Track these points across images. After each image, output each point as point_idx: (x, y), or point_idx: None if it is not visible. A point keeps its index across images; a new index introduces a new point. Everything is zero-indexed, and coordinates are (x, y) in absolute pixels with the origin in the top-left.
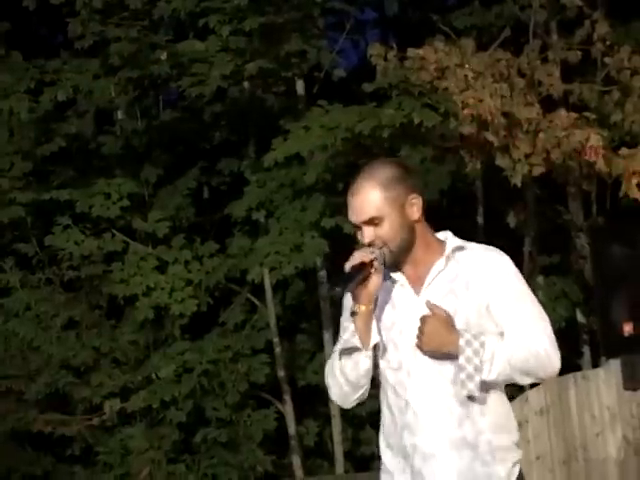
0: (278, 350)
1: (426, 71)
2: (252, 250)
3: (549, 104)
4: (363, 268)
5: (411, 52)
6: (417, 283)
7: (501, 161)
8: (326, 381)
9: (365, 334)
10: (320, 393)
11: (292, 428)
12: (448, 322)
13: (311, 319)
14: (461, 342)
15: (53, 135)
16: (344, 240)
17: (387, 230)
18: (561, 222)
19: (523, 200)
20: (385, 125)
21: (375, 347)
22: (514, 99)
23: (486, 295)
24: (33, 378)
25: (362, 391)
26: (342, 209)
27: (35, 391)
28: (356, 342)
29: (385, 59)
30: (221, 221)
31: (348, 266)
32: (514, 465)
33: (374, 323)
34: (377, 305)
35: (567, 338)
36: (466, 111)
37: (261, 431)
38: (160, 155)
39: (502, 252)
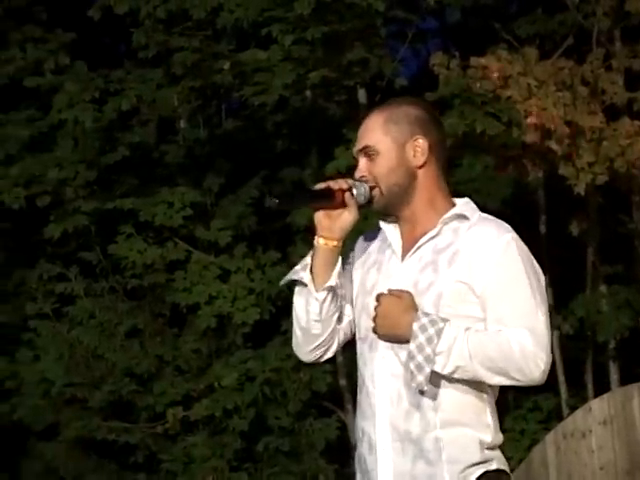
0: (340, 359)
1: (489, 80)
2: None
3: (612, 112)
4: (329, 194)
5: (474, 61)
6: (409, 246)
7: (564, 170)
8: None
9: (321, 273)
10: None
11: (354, 437)
12: (406, 302)
13: None
14: (415, 326)
15: (117, 144)
16: None
17: (381, 166)
18: (624, 231)
19: (586, 209)
20: (447, 134)
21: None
22: (577, 108)
23: (472, 276)
24: (97, 386)
25: (318, 342)
26: None
27: (99, 399)
28: (303, 276)
29: (447, 68)
30: (283, 230)
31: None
32: (466, 469)
33: (354, 284)
34: (366, 265)
35: (630, 347)
36: (529, 120)
37: (323, 440)
38: (222, 164)
39: (509, 227)
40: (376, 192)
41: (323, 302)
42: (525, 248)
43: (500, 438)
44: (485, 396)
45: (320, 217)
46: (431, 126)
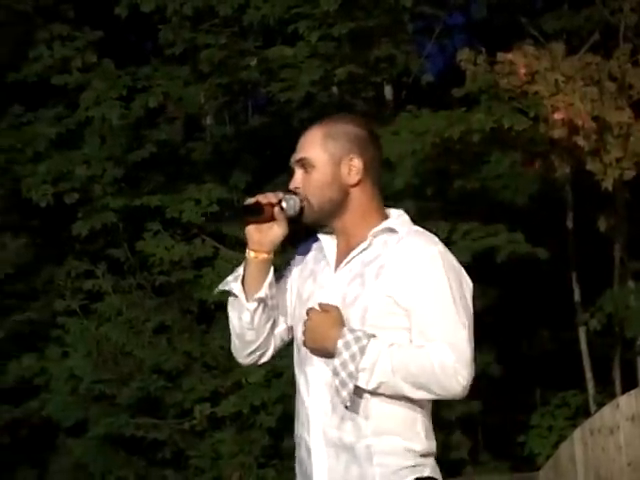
0: None
1: (516, 75)
2: None
3: None
4: (258, 209)
5: (500, 56)
6: (342, 258)
7: (592, 165)
8: None
9: (252, 284)
10: None
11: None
12: (333, 318)
13: None
14: (339, 343)
15: (144, 141)
16: None
17: (315, 181)
18: None
19: (613, 204)
20: (475, 130)
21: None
22: (605, 103)
23: (397, 289)
24: (125, 382)
25: (252, 348)
26: (432, 214)
27: (127, 395)
28: (234, 287)
29: (474, 64)
30: (307, 226)
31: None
32: (398, 472)
33: (291, 293)
34: (303, 275)
35: None
36: (556, 115)
37: None
38: (249, 161)
39: (437, 241)
40: (306, 205)
41: (254, 312)
42: (451, 261)
43: (433, 446)
44: (417, 406)
45: (251, 231)
46: (368, 145)
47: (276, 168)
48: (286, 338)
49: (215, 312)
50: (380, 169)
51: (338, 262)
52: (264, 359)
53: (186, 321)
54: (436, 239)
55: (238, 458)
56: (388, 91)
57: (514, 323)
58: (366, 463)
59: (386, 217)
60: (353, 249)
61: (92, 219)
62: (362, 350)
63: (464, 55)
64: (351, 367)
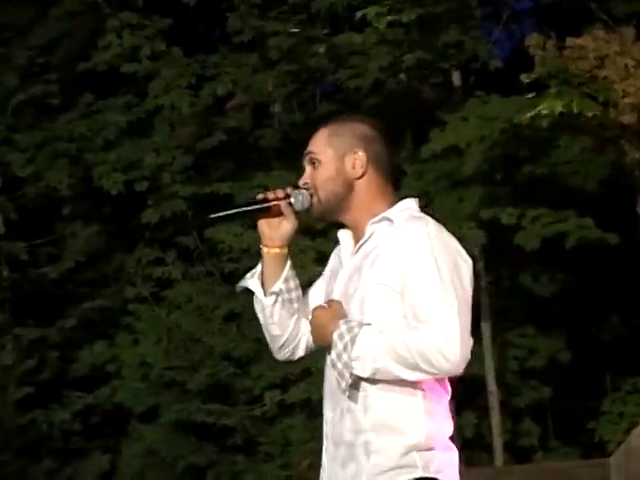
0: None
1: (585, 60)
2: None
3: None
4: (266, 204)
5: (570, 41)
6: (351, 253)
7: None
8: None
9: (269, 279)
10: (479, 384)
11: None
12: (333, 312)
13: None
14: (334, 335)
15: (213, 129)
16: (502, 231)
17: (321, 175)
18: None
19: None
20: (544, 115)
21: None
22: None
23: (391, 276)
24: (196, 369)
25: (281, 343)
26: (500, 200)
27: (198, 382)
28: (250, 283)
29: (543, 49)
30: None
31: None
32: (386, 473)
33: (321, 293)
34: (331, 273)
35: None
36: (626, 100)
37: None
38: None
39: (430, 222)
40: (315, 200)
41: (273, 306)
42: (442, 240)
43: (437, 440)
44: (419, 395)
45: (262, 226)
46: (374, 141)
47: None
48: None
49: None
50: (390, 165)
51: (351, 254)
52: (298, 354)
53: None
54: (430, 221)
55: (308, 445)
56: (456, 77)
57: (584, 309)
58: (363, 459)
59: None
60: (361, 237)
61: (162, 207)
62: (353, 339)
63: (533, 40)
64: (345, 357)
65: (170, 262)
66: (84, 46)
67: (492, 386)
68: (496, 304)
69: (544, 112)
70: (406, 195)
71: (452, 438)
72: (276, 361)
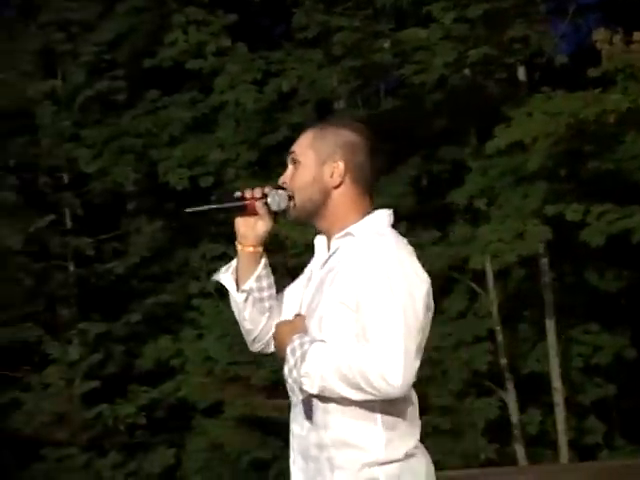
0: (500, 338)
1: None
2: (474, 238)
3: None
4: (242, 203)
5: (637, 36)
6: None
7: None
8: None
9: (242, 276)
10: (543, 381)
11: (515, 416)
12: (292, 326)
13: (533, 307)
14: (287, 350)
15: (277, 125)
16: (567, 227)
17: (299, 178)
18: None
19: None
20: (610, 110)
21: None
22: None
23: (347, 295)
24: (260, 364)
25: (253, 336)
26: (565, 196)
27: (262, 377)
28: (222, 278)
29: (610, 43)
30: (442, 209)
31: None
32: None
33: (297, 291)
34: (306, 279)
35: None
36: None
37: (483, 419)
38: (381, 143)
39: (391, 243)
40: (291, 203)
41: (244, 303)
42: (400, 261)
43: (397, 454)
44: (377, 410)
45: (238, 224)
46: (358, 151)
47: (409, 150)
48: None
49: None
50: (370, 176)
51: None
52: (271, 348)
53: None
54: (391, 240)
55: None
56: (521, 72)
57: None
58: (328, 475)
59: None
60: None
61: None
62: (303, 356)
63: (600, 35)
64: (295, 373)
65: (235, 256)
66: (150, 42)
67: (557, 383)
68: (560, 301)
69: (610, 107)
70: (380, 206)
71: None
72: None
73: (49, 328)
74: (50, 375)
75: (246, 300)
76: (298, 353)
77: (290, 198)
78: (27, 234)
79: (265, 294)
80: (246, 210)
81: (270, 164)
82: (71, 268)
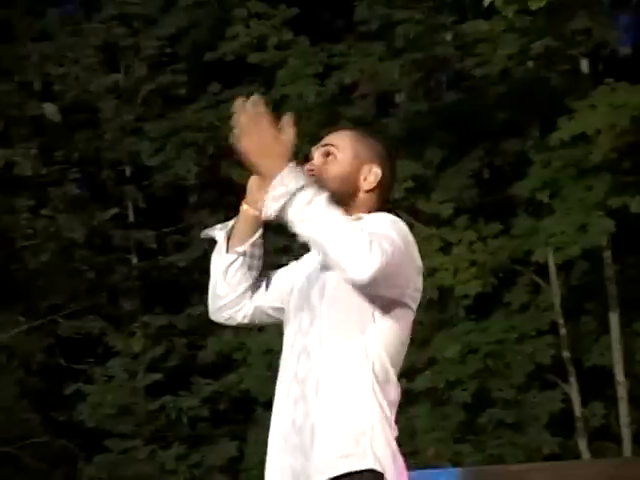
0: (563, 331)
1: None
2: (537, 230)
3: None
4: None
5: None
6: None
7: None
8: None
9: (237, 237)
10: (606, 375)
11: (578, 410)
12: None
13: (596, 300)
14: (293, 175)
15: (338, 118)
16: (631, 220)
17: (332, 169)
18: None
19: None
20: None
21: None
22: None
23: None
24: None
25: (221, 304)
26: (629, 188)
27: None
28: (217, 234)
29: None
30: (504, 201)
31: None
32: (333, 461)
33: (291, 282)
34: (303, 269)
35: None
36: None
37: (547, 412)
38: (443, 136)
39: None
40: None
41: (230, 264)
42: (400, 224)
43: (384, 430)
44: (368, 389)
45: (253, 185)
46: (389, 165)
47: (471, 143)
48: (262, 317)
49: None
50: (390, 194)
51: None
52: (235, 321)
53: None
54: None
55: (434, 433)
56: (584, 64)
57: None
58: (309, 450)
59: None
60: None
61: None
62: (310, 200)
63: None
64: (292, 185)
65: (296, 250)
66: (211, 36)
67: (620, 376)
68: (624, 294)
69: None
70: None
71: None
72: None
73: (112, 320)
74: (113, 367)
75: (233, 262)
76: (302, 176)
77: (320, 182)
78: (90, 227)
79: (255, 263)
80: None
81: None
82: (134, 261)
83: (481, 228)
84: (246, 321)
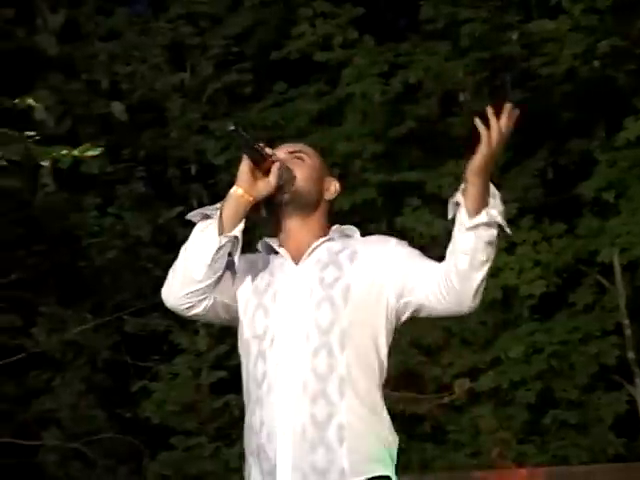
0: (628, 332)
1: None
2: (602, 231)
3: None
4: (263, 156)
5: None
6: (296, 254)
7: None
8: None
9: (229, 221)
10: None
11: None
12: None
13: None
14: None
15: (404, 117)
16: None
17: (306, 170)
18: None
19: None
20: None
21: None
22: None
23: (374, 268)
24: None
25: (193, 289)
26: None
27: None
28: (213, 214)
29: None
30: (569, 201)
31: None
32: (366, 465)
33: (248, 284)
34: (255, 270)
35: None
36: None
37: (612, 413)
38: (509, 135)
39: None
40: (292, 184)
41: (220, 249)
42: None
43: (396, 438)
44: (380, 396)
45: (245, 169)
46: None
47: (536, 143)
48: (218, 311)
49: None
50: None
51: (294, 257)
52: (196, 310)
53: None
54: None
55: (497, 434)
56: None
57: None
58: (336, 446)
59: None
60: (305, 247)
61: (352, 194)
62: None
63: None
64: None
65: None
66: (277, 35)
67: None
68: None
69: None
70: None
71: None
72: (464, 349)
73: (177, 318)
74: (178, 365)
75: (223, 247)
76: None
77: (293, 179)
78: (156, 225)
79: (237, 251)
80: (262, 164)
81: (396, 156)
82: None
83: (546, 228)
84: (201, 313)
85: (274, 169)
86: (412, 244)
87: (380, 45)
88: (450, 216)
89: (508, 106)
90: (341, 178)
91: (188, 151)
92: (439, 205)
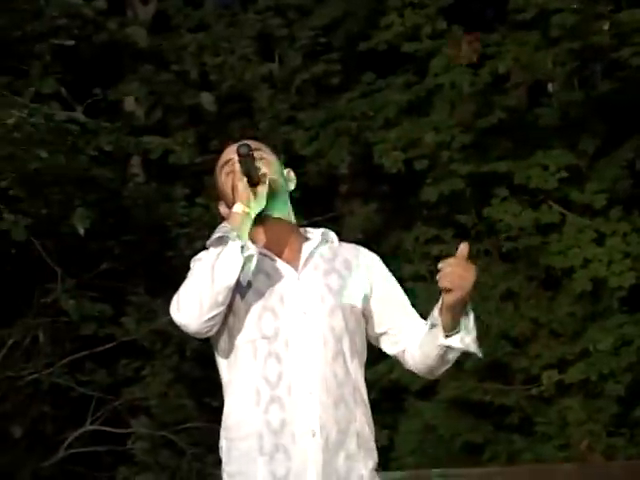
0: None
1: None
2: None
3: None
4: (257, 178)
5: None
6: (289, 258)
7: None
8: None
9: (244, 238)
10: None
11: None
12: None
13: None
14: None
15: (492, 107)
16: None
17: (271, 166)
18: None
19: None
20: None
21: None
22: None
23: (369, 280)
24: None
25: (216, 312)
26: None
27: (475, 360)
28: (229, 232)
29: None
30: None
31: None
32: (373, 471)
33: (249, 290)
34: (250, 276)
35: None
36: None
37: None
38: (597, 126)
39: None
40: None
41: (242, 268)
42: None
43: None
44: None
45: (243, 188)
46: None
47: (625, 134)
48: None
49: (562, 278)
50: None
51: (283, 258)
52: (208, 334)
53: (532, 287)
54: None
55: (586, 426)
56: None
57: None
58: (355, 452)
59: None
60: (295, 251)
61: (440, 185)
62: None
63: None
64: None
65: (448, 240)
66: (365, 26)
67: None
68: None
69: None
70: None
71: None
72: (553, 341)
73: None
74: None
75: (243, 267)
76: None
77: (264, 176)
78: None
79: (253, 267)
80: (255, 179)
81: (484, 147)
82: None
83: (635, 219)
84: (215, 330)
85: (265, 181)
86: (500, 235)
87: (469, 35)
88: (428, 325)
89: (463, 246)
90: (429, 169)
91: (276, 141)
92: (527, 196)
